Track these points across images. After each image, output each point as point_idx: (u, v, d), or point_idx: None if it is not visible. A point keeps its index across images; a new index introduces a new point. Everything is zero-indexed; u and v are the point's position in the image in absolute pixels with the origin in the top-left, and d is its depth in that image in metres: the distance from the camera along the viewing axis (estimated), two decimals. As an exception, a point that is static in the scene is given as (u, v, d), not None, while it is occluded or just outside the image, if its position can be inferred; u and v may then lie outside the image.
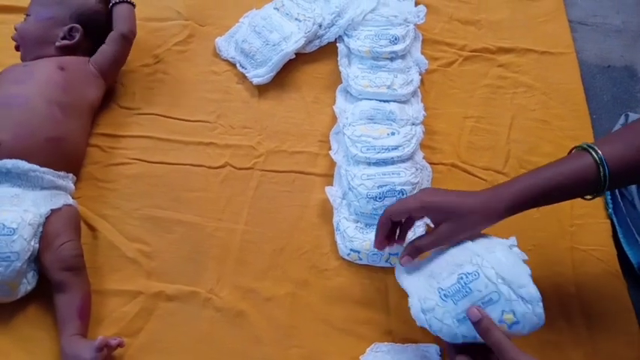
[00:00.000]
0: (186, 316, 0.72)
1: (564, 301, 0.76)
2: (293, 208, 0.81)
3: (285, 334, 0.72)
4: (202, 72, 0.93)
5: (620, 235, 0.81)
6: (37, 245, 0.68)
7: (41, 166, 0.72)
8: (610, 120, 0.95)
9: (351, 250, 0.76)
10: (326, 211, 0.80)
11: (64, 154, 0.76)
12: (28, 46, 0.84)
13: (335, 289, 0.75)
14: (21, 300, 0.69)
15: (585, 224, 0.83)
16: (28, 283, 0.69)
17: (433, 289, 0.60)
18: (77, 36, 0.84)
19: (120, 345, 0.67)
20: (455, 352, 0.60)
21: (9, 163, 0.70)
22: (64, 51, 0.83)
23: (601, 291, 0.77)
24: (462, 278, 0.58)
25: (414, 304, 0.60)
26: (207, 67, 0.93)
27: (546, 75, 0.97)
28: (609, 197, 0.84)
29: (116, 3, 0.85)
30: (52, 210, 0.70)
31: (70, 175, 0.77)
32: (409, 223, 0.69)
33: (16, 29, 0.84)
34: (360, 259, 0.76)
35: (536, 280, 0.75)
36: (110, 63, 0.85)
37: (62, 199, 0.73)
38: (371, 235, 0.74)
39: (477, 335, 0.57)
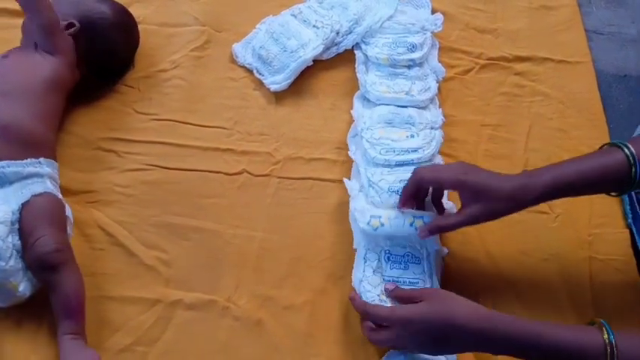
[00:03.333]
0: (205, 326, 0.71)
1: (581, 311, 0.75)
2: (311, 215, 0.81)
3: (303, 343, 0.71)
4: (219, 78, 0.92)
5: (640, 245, 0.80)
6: (19, 242, 0.65)
7: (0, 160, 0.68)
8: (627, 129, 0.94)
9: (371, 216, 0.72)
10: (343, 218, 0.79)
11: (21, 141, 0.71)
12: (24, 32, 0.82)
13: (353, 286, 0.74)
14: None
15: (603, 234, 0.82)
16: (30, 279, 0.66)
17: None
18: (72, 30, 0.82)
19: None
20: None
21: None
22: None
23: (619, 301, 0.76)
24: None
25: None
26: (224, 73, 0.93)
27: (563, 84, 0.97)
28: (628, 207, 0.83)
29: None
30: (22, 205, 0.67)
31: (41, 159, 0.71)
32: (439, 192, 0.68)
33: None
34: (382, 225, 0.72)
35: (554, 289, 0.76)
36: (38, 33, 0.79)
37: (30, 190, 0.68)
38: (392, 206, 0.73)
39: None
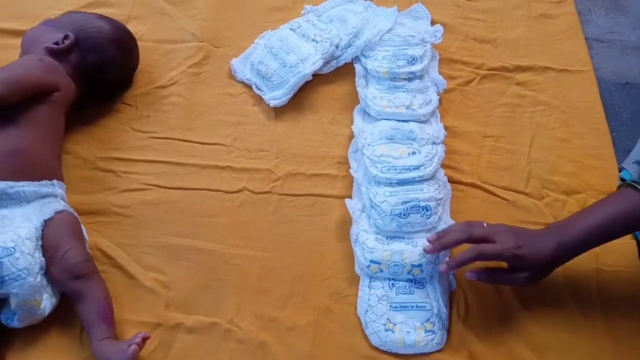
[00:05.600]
0: (207, 350, 0.69)
1: (591, 323, 0.74)
2: (312, 232, 0.80)
3: (308, 365, 0.70)
4: (218, 94, 0.92)
5: (649, 256, 0.79)
6: (43, 258, 0.68)
7: (17, 181, 0.71)
8: (630, 137, 0.94)
9: (371, 261, 0.73)
10: (346, 235, 0.78)
11: (32, 163, 0.74)
12: (23, 44, 0.84)
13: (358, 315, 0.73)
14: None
15: (611, 245, 0.79)
16: (51, 297, 0.68)
17: None
18: (67, 42, 0.82)
19: (144, 338, 0.66)
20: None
21: None
22: (50, 54, 0.82)
23: (628, 312, 0.75)
24: None
25: None
26: (222, 89, 0.92)
27: (565, 93, 0.96)
28: (635, 218, 0.82)
29: None
30: (45, 221, 0.70)
31: (54, 181, 0.75)
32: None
33: None
34: (381, 271, 0.73)
35: (563, 302, 0.75)
36: None
37: (52, 208, 0.72)
38: (393, 246, 0.74)
39: None
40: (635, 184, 0.65)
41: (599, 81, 1.00)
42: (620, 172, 0.89)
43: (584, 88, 0.97)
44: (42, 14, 0.95)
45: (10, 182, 0.70)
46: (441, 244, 0.69)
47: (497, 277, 0.70)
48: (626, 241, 0.81)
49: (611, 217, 0.67)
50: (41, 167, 0.75)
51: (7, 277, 0.64)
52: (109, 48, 0.86)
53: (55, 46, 0.82)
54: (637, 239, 0.81)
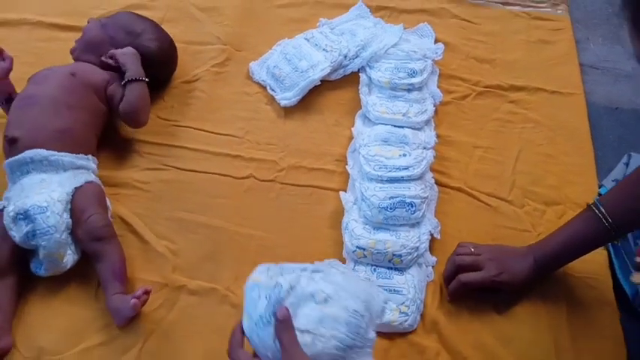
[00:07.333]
0: (206, 310, 0.78)
1: (553, 324, 0.79)
2: (308, 219, 0.88)
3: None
4: (235, 92, 1.02)
5: (617, 267, 0.84)
6: (70, 220, 0.78)
7: (58, 151, 0.82)
8: (614, 158, 0.98)
9: (357, 247, 0.81)
10: (338, 224, 0.86)
11: (75, 141, 0.85)
12: (81, 42, 0.95)
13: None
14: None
15: None
16: (73, 253, 0.78)
17: None
18: (115, 64, 0.92)
19: (146, 291, 0.74)
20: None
21: (30, 152, 0.80)
22: (104, 67, 0.93)
23: (592, 317, 0.80)
24: None
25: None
26: (240, 87, 1.03)
27: (555, 113, 1.03)
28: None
29: (128, 82, 0.91)
30: (75, 188, 0.80)
31: (89, 155, 0.86)
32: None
33: (87, 22, 0.96)
34: (365, 257, 0.81)
35: (530, 301, 0.81)
36: (113, 107, 0.92)
37: (84, 178, 0.82)
38: (378, 236, 0.81)
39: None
40: (594, 208, 0.73)
41: (591, 105, 1.05)
42: (599, 188, 0.94)
43: (573, 110, 1.04)
44: (88, 12, 1.08)
45: (52, 151, 0.81)
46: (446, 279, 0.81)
47: (482, 296, 0.80)
48: (598, 252, 0.86)
49: (579, 235, 0.75)
50: (81, 144, 0.86)
51: (38, 232, 0.75)
52: (158, 64, 0.96)
53: (111, 62, 0.93)
54: (607, 250, 0.87)
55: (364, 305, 0.60)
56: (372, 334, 0.60)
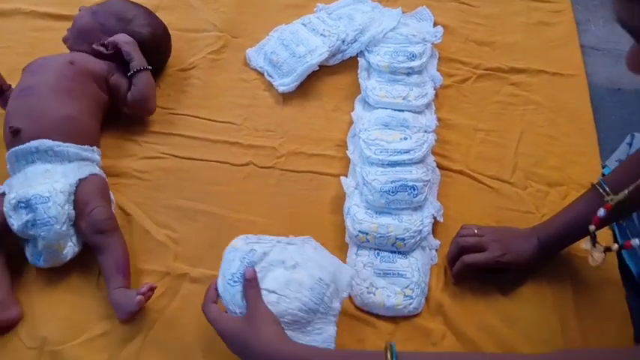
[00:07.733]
0: (207, 297, 0.77)
1: (559, 303, 0.78)
2: (309, 205, 0.87)
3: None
4: (233, 79, 1.01)
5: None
6: (73, 211, 0.76)
7: (63, 142, 0.81)
8: (617, 138, 0.97)
9: (359, 231, 0.80)
10: (339, 209, 0.85)
11: (79, 130, 0.83)
12: (73, 31, 0.94)
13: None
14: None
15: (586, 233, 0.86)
16: (74, 245, 0.77)
17: None
18: (112, 51, 0.92)
19: (151, 288, 0.73)
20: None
21: (35, 142, 0.79)
22: (95, 55, 0.92)
23: (597, 296, 0.79)
24: None
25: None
26: (237, 74, 1.02)
27: (556, 95, 1.02)
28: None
29: (134, 72, 0.91)
30: (79, 180, 0.79)
31: (94, 147, 0.85)
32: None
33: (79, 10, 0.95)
34: (368, 241, 0.80)
35: (535, 281, 0.80)
36: (119, 98, 0.92)
37: (88, 170, 0.81)
38: (380, 220, 0.80)
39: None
40: (599, 187, 0.72)
41: (592, 86, 1.05)
42: (603, 168, 0.94)
43: (574, 91, 1.03)
44: (81, 1, 1.06)
45: (58, 142, 0.80)
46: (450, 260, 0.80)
47: (486, 278, 0.79)
48: (602, 231, 0.86)
49: (583, 215, 0.73)
50: (85, 134, 0.85)
51: (38, 221, 0.74)
52: (152, 50, 0.94)
53: (102, 50, 0.92)
54: (612, 229, 0.86)
55: (331, 277, 0.66)
56: (337, 305, 0.66)
